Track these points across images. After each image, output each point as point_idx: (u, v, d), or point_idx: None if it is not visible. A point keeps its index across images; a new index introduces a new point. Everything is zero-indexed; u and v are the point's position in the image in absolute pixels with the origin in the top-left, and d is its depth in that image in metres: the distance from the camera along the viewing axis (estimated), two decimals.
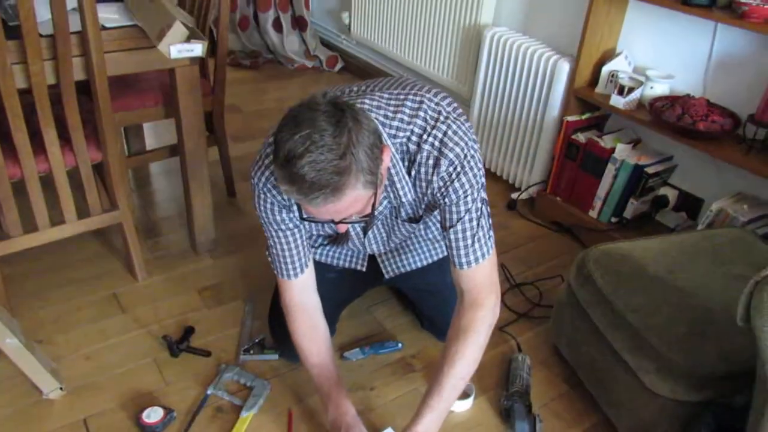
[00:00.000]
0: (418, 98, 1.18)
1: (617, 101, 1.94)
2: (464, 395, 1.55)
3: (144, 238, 2.06)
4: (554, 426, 1.52)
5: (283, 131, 1.00)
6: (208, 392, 1.50)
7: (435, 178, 1.19)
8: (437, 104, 1.18)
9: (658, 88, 1.92)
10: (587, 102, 2.11)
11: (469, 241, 1.23)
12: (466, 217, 1.22)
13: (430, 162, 1.18)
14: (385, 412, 1.51)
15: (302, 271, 1.36)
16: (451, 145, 1.16)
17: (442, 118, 1.17)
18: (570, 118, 2.13)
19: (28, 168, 1.52)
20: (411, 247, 1.58)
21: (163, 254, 2.00)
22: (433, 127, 1.16)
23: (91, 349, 1.61)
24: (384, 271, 1.56)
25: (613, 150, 2.04)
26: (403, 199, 1.27)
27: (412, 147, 1.18)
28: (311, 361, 1.39)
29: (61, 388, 1.45)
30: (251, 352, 1.63)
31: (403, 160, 1.20)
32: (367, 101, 1.17)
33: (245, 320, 1.74)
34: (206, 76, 2.11)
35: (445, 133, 1.16)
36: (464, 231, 1.23)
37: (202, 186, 1.89)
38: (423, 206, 1.30)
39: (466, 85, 2.66)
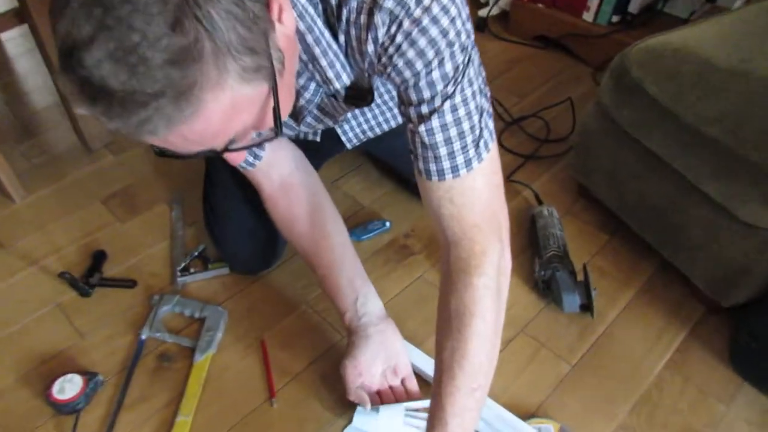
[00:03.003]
0: None
1: None
2: None
3: (14, 142, 1.52)
4: (604, 287, 1.18)
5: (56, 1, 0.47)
6: (143, 336, 1.08)
7: (369, 47, 0.68)
8: None
9: None
10: None
11: (445, 139, 0.72)
12: (444, 106, 0.70)
13: (362, 19, 0.67)
14: (394, 313, 1.10)
15: (257, 156, 0.94)
16: None
17: None
18: None
19: None
20: (377, 108, 1.11)
21: (46, 160, 1.47)
22: None
23: None
24: (345, 139, 1.11)
25: None
26: (337, 84, 0.78)
27: None
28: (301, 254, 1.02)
29: None
30: (191, 270, 1.19)
31: (323, 17, 0.70)
32: None
33: (175, 229, 1.29)
34: None
35: None
36: (443, 128, 0.71)
37: None
38: (372, 81, 0.80)
39: None
